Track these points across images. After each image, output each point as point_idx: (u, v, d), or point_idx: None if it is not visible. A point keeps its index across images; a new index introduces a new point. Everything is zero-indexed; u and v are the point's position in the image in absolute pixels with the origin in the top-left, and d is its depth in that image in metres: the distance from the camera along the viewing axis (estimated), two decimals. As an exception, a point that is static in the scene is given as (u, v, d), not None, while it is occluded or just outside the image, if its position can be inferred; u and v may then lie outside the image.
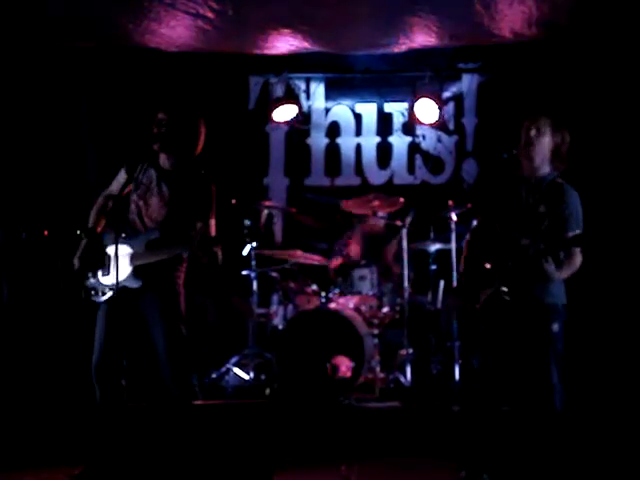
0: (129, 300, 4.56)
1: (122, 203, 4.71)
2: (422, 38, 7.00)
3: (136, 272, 4.56)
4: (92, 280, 4.62)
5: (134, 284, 4.55)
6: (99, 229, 4.74)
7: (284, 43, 7.13)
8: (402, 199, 7.00)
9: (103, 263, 4.59)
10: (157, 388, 4.85)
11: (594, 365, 6.42)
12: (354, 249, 7.15)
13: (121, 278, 4.51)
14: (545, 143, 4.35)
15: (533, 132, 4.33)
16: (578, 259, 4.24)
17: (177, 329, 4.59)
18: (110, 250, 4.56)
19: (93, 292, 4.60)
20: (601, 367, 6.43)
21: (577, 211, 4.28)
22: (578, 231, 4.17)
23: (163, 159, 4.70)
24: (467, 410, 4.67)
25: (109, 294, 4.55)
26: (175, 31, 6.77)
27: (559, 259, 4.19)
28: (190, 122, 4.68)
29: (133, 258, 4.58)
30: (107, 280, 4.58)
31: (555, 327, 4.24)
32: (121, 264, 4.50)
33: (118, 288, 4.46)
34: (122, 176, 4.75)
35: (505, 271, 4.24)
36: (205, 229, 4.50)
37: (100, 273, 4.61)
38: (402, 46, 7.21)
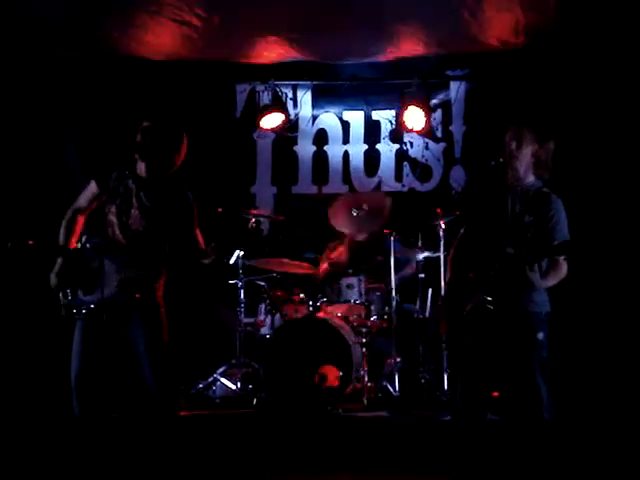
0: (110, 313, 4.51)
1: (97, 218, 4.67)
2: (409, 46, 7.02)
3: (121, 288, 4.53)
4: (71, 298, 4.55)
5: (119, 298, 4.51)
6: (71, 246, 4.66)
7: (271, 52, 7.14)
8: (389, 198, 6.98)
9: (84, 280, 4.52)
10: (142, 400, 4.83)
11: (582, 373, 6.41)
12: (341, 254, 7.13)
13: (106, 294, 4.47)
14: (526, 154, 4.36)
15: (514, 144, 4.35)
16: (564, 267, 4.23)
17: (159, 340, 4.56)
18: (92, 266, 4.51)
19: (74, 310, 4.53)
20: (589, 374, 6.42)
21: (562, 220, 4.29)
22: (564, 239, 4.18)
23: (142, 169, 4.66)
24: (454, 419, 4.64)
25: (90, 309, 4.49)
26: (161, 39, 6.77)
27: (543, 268, 4.18)
28: (173, 132, 4.67)
29: (117, 273, 4.54)
30: (90, 297, 4.52)
31: (540, 335, 4.23)
32: (105, 280, 4.47)
33: (103, 303, 4.43)
34: (91, 189, 4.69)
35: (489, 280, 4.23)
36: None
37: (80, 290, 4.55)
38: (389, 55, 7.23)
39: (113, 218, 4.64)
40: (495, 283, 4.20)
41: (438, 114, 7.88)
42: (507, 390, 4.41)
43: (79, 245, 4.62)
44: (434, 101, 7.78)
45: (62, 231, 4.70)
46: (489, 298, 4.21)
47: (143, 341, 4.54)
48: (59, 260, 4.59)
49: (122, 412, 5.59)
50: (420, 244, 6.92)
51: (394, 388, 6.44)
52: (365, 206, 6.87)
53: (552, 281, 4.23)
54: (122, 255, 4.56)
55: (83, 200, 4.73)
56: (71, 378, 4.51)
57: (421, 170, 7.92)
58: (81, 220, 4.70)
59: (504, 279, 4.18)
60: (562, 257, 4.18)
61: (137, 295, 4.52)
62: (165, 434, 4.58)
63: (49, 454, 5.25)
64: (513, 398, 4.33)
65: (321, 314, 6.58)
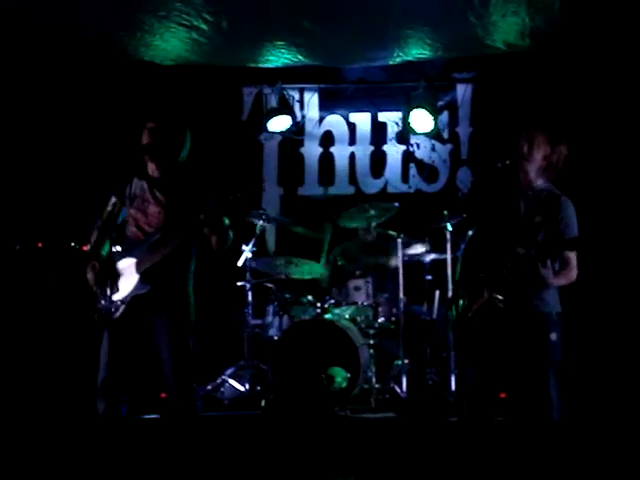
0: (138, 312, 4.58)
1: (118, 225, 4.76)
2: (416, 51, 7.07)
3: (143, 277, 4.60)
4: (103, 302, 4.63)
5: (143, 289, 4.59)
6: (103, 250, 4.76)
7: (278, 56, 7.17)
8: (397, 204, 7.00)
9: (113, 282, 4.60)
10: (162, 401, 4.87)
11: (590, 375, 6.42)
12: None
13: (130, 288, 4.58)
14: (538, 157, 4.37)
15: (525, 148, 4.36)
16: (574, 270, 4.25)
17: (184, 342, 4.63)
18: (116, 267, 4.59)
19: (106, 312, 4.60)
20: (598, 377, 6.43)
21: (572, 222, 4.30)
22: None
23: (152, 168, 4.75)
24: (462, 420, 4.66)
25: (121, 310, 4.58)
26: (169, 43, 6.80)
27: (554, 267, 4.21)
28: (176, 127, 4.74)
29: (139, 265, 4.61)
30: (117, 296, 4.61)
31: (553, 337, 4.23)
32: (128, 275, 4.57)
33: (128, 299, 4.55)
34: (112, 203, 4.80)
35: (499, 279, 4.25)
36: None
37: (109, 292, 4.62)
38: (396, 59, 7.26)
39: (131, 219, 4.74)
40: (506, 283, 4.23)
41: (444, 116, 7.89)
42: (516, 390, 4.40)
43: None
44: (440, 103, 7.79)
45: (92, 240, 4.81)
46: (499, 297, 4.24)
47: (167, 342, 4.60)
48: (93, 264, 4.66)
49: (141, 413, 5.68)
50: (428, 246, 6.94)
51: (401, 389, 6.46)
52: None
53: (562, 281, 4.25)
54: (142, 249, 4.64)
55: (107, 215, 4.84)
56: (98, 379, 4.57)
57: (428, 171, 7.94)
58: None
59: (515, 279, 4.21)
60: (573, 258, 4.21)
61: (163, 290, 4.60)
62: (183, 435, 4.64)
63: (71, 451, 5.29)
64: (522, 398, 4.34)
65: (329, 316, 6.60)
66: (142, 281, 4.59)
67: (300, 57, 7.17)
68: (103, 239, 4.77)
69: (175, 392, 4.63)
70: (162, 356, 4.64)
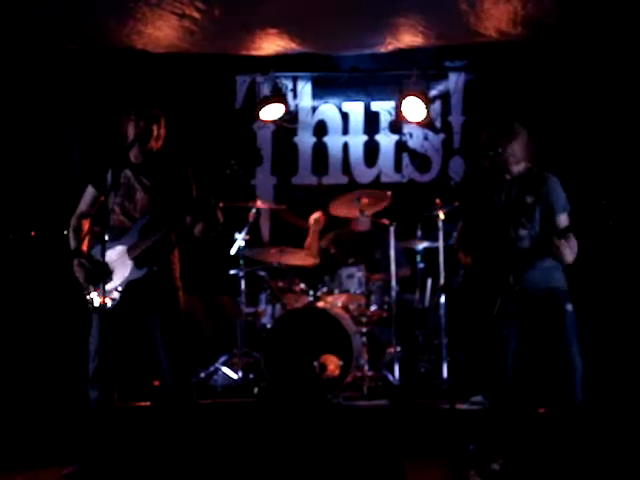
0: (132, 299, 4.61)
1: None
2: (408, 38, 7.05)
3: (137, 262, 4.62)
4: (96, 295, 4.62)
5: (139, 274, 4.62)
6: (84, 248, 4.75)
7: (271, 44, 7.16)
8: (390, 193, 7.00)
9: (105, 274, 4.59)
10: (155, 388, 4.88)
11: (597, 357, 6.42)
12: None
13: (125, 275, 4.62)
14: (516, 148, 4.51)
15: (505, 143, 4.50)
16: (575, 242, 4.35)
17: (179, 333, 4.66)
18: (106, 257, 4.59)
19: (100, 303, 4.61)
20: (604, 359, 6.43)
21: (561, 194, 4.46)
22: (566, 212, 4.39)
23: (137, 156, 4.78)
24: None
25: (116, 297, 4.59)
26: (161, 32, 6.79)
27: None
28: (157, 114, 4.77)
29: (130, 251, 4.63)
30: (112, 284, 4.62)
31: (569, 307, 4.38)
32: (121, 262, 4.60)
33: (123, 286, 4.59)
34: (90, 193, 4.82)
35: (506, 264, 4.35)
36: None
37: (102, 284, 4.62)
38: (389, 46, 7.26)
39: (117, 207, 4.74)
40: (512, 266, 4.32)
41: (437, 105, 7.89)
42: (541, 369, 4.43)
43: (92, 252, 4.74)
44: (433, 92, 7.80)
45: (71, 237, 4.82)
46: (512, 279, 4.31)
47: (160, 331, 4.63)
48: (75, 262, 4.67)
49: (133, 400, 5.70)
50: (420, 235, 6.96)
51: (394, 377, 6.49)
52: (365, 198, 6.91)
53: (574, 251, 4.36)
54: (132, 234, 4.67)
55: (84, 205, 4.88)
56: (89, 367, 4.60)
57: (420, 161, 7.95)
58: (86, 224, 4.82)
59: (520, 261, 4.32)
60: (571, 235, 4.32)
61: (154, 268, 4.64)
62: (177, 423, 4.67)
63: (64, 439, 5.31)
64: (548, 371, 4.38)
65: (321, 304, 6.62)
66: (137, 266, 4.62)
67: (293, 45, 7.16)
68: (82, 236, 4.78)
69: (171, 382, 4.66)
70: (157, 347, 4.66)
